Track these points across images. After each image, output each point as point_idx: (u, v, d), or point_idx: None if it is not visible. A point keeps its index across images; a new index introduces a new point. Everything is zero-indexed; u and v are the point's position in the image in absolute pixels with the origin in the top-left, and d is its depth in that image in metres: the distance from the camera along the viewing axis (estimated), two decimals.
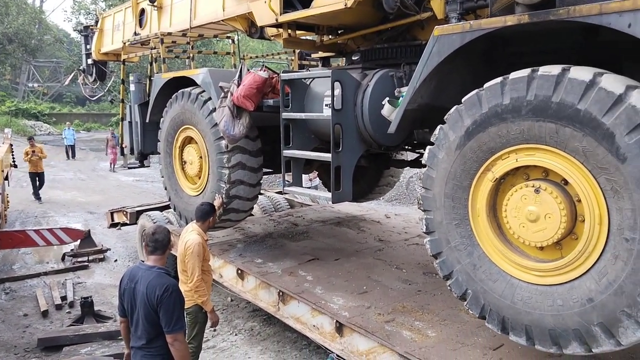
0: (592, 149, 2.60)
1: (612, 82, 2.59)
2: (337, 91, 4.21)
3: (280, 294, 4.85)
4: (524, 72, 2.87)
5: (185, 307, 4.45)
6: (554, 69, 2.77)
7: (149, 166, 8.31)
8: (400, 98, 3.83)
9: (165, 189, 6.64)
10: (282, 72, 4.92)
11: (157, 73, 6.81)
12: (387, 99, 3.98)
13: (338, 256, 5.81)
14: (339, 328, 4.14)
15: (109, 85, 10.95)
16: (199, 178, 6.03)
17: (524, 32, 3.22)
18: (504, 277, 3.11)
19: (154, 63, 7.08)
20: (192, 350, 4.51)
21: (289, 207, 8.71)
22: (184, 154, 6.17)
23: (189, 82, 5.91)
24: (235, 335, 5.93)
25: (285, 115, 4.71)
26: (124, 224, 8.79)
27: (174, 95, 6.08)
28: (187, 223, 5.92)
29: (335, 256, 5.81)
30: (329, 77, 4.18)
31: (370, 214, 8.11)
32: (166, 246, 3.36)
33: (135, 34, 7.91)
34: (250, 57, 9.22)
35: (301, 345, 5.56)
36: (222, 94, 5.06)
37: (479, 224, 3.22)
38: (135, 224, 8.25)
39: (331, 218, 7.67)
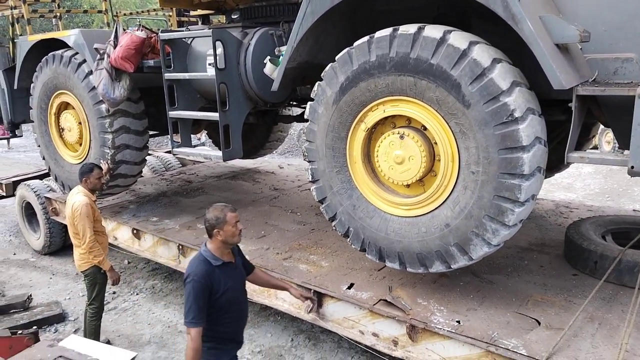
0: (444, 98, 3.04)
1: (459, 39, 3.02)
2: (220, 50, 4.29)
3: (180, 247, 4.97)
4: (387, 32, 3.21)
5: (83, 270, 4.46)
6: (411, 28, 3.13)
7: (22, 135, 7.73)
8: (281, 57, 4.04)
9: (44, 158, 6.30)
10: (161, 31, 4.85)
11: (21, 35, 6.27)
12: (269, 57, 4.17)
13: (235, 207, 5.98)
14: None
15: None
16: (80, 145, 5.80)
17: None
18: (378, 214, 3.55)
19: (15, 24, 6.48)
20: (93, 311, 4.55)
21: (180, 165, 8.64)
22: (61, 121, 5.88)
23: (59, 44, 5.56)
24: (137, 294, 5.97)
25: (168, 75, 4.70)
26: (0, 197, 8.15)
27: (43, 59, 5.69)
28: (69, 191, 5.72)
29: None
30: (210, 36, 4.24)
31: (264, 165, 8.36)
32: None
33: None
34: (124, 14, 8.73)
35: None
36: (98, 55, 4.88)
37: (356, 170, 3.61)
38: (13, 195, 7.67)
39: (225, 172, 7.79)
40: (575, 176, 9.91)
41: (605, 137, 11.08)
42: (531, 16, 2.80)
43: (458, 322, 3.33)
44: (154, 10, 8.48)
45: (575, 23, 3.00)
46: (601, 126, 5.34)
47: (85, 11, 11.11)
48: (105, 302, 4.92)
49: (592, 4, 3.12)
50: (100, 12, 7.57)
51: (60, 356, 2.85)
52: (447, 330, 3.26)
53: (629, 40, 3.06)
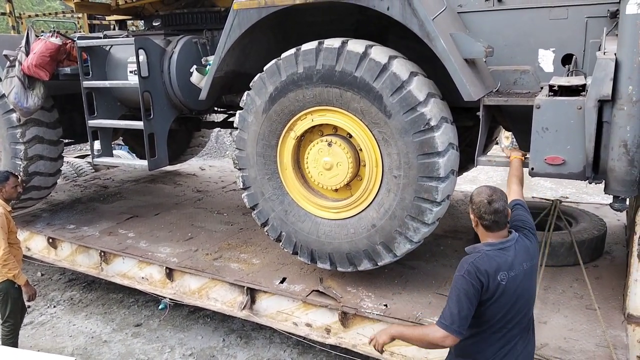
0: (367, 108, 3.26)
1: (379, 53, 3.25)
2: (142, 58, 4.24)
3: (102, 254, 4.84)
4: (313, 45, 3.38)
5: None
6: (336, 42, 3.32)
7: None
8: (208, 66, 4.08)
9: None
10: (77, 38, 4.68)
11: None
12: (195, 67, 4.18)
13: (158, 211, 5.92)
14: (169, 274, 4.41)
15: None
16: None
17: (312, 8, 3.72)
18: (309, 218, 3.71)
19: None
20: (8, 329, 4.31)
21: (93, 170, 8.24)
22: None
23: None
24: (54, 307, 5.66)
25: (86, 84, 4.55)
26: None
27: None
28: None
29: (155, 211, 5.90)
30: (132, 44, 4.18)
31: (185, 168, 8.24)
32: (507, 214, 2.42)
33: None
34: (29, 16, 8.19)
35: (128, 302, 5.63)
36: (8, 63, 4.61)
37: (287, 176, 3.74)
38: None
39: (144, 176, 7.58)
40: (479, 169, 10.76)
41: (504, 133, 12.11)
42: (443, 34, 3.09)
43: (385, 305, 3.58)
44: (62, 12, 8.04)
45: (481, 39, 3.36)
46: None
47: None
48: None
49: (494, 22, 3.50)
50: (3, 14, 7.06)
51: None
52: (376, 314, 3.50)
53: (526, 54, 3.47)
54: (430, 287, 3.85)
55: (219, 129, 13.60)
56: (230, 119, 5.99)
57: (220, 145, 13.38)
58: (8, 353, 3.06)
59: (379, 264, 3.56)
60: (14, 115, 4.89)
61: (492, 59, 3.44)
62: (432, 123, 3.11)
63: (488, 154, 4.51)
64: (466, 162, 4.66)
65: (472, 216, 2.44)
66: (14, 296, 4.29)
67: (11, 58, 4.60)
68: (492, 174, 10.66)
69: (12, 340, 4.35)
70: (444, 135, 3.17)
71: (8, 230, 4.18)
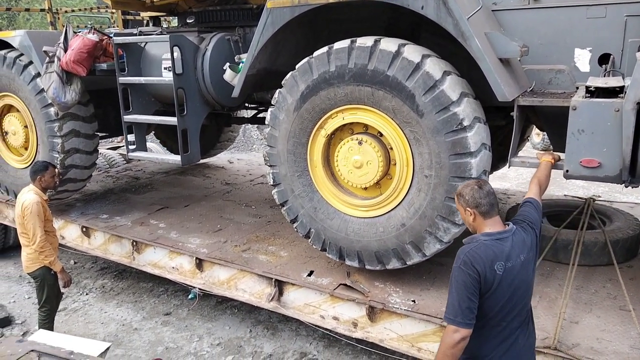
0: (399, 107, 3.26)
1: (412, 52, 3.24)
2: (177, 55, 4.32)
3: (134, 243, 4.95)
4: (345, 43, 3.39)
5: (31, 271, 4.36)
6: (368, 41, 3.33)
7: None
8: (241, 64, 4.13)
9: None
10: (114, 34, 4.79)
11: None
12: (228, 64, 4.24)
13: (187, 202, 6.02)
14: (199, 264, 4.49)
15: None
16: (26, 149, 5.62)
17: (344, 6, 3.73)
18: (338, 215, 3.74)
19: None
20: (45, 314, 4.47)
21: (124, 162, 8.44)
22: (4, 124, 5.66)
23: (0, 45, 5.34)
24: (86, 294, 5.86)
25: (122, 79, 4.66)
26: None
27: None
28: (15, 198, 5.53)
29: (184, 203, 6.01)
30: (167, 41, 4.26)
31: (214, 160, 8.33)
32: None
33: None
34: (66, 11, 8.40)
35: (158, 292, 5.78)
36: (47, 58, 4.75)
37: (317, 174, 3.77)
38: None
39: (174, 168, 7.71)
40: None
41: (535, 130, 11.88)
42: (478, 33, 3.06)
43: (413, 301, 3.59)
44: (98, 8, 8.23)
45: (516, 38, 3.32)
46: None
47: (27, 9, 10.52)
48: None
49: (529, 20, 3.45)
50: (42, 10, 7.26)
51: (32, 350, 2.70)
52: (404, 309, 3.50)
53: (561, 53, 3.41)
54: None
55: (245, 124, 13.84)
56: (260, 115, 6.05)
57: (247, 139, 13.53)
58: (47, 336, 3.18)
59: (407, 263, 3.56)
60: (52, 110, 5.03)
61: (526, 57, 3.39)
62: (465, 123, 3.09)
63: (520, 154, 4.44)
64: (497, 161, 4.63)
65: (466, 210, 2.45)
66: (50, 282, 4.45)
67: (50, 54, 4.73)
68: (522, 170, 10.49)
69: (48, 325, 4.52)
70: (477, 136, 3.14)
71: (44, 219, 4.34)
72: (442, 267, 4.09)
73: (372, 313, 3.63)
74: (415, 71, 3.16)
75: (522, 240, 2.40)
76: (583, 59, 3.39)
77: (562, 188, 9.30)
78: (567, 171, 2.99)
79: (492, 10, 3.53)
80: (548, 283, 3.80)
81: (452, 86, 3.13)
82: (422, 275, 3.96)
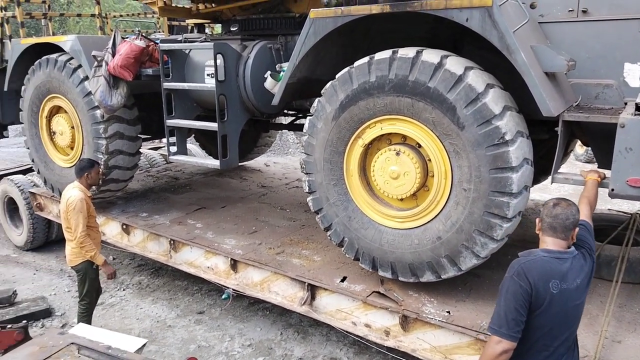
0: (439, 119, 3.23)
1: (455, 64, 3.20)
2: (220, 62, 4.41)
3: (172, 242, 5.06)
4: (386, 54, 3.38)
5: (74, 265, 4.52)
6: (410, 52, 3.31)
7: (8, 137, 7.67)
8: (282, 72, 4.18)
9: (33, 161, 6.28)
10: (160, 40, 4.93)
11: (10, 36, 6.25)
12: (269, 72, 4.30)
13: (224, 204, 6.13)
14: (234, 265, 4.55)
15: None
16: (72, 149, 5.82)
17: (386, 16, 3.73)
18: (373, 225, 3.72)
19: (5, 25, 6.45)
20: (84, 307, 4.62)
21: (164, 162, 8.66)
22: (53, 124, 5.88)
23: (52, 48, 5.58)
24: (124, 290, 6.02)
25: (166, 85, 4.78)
26: None
27: (37, 62, 5.69)
28: (60, 195, 5.75)
29: (221, 204, 6.11)
30: (211, 49, 4.36)
31: (250, 163, 8.45)
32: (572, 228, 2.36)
33: None
34: (114, 16, 8.72)
35: (192, 290, 5.89)
36: (96, 63, 4.93)
37: (353, 183, 3.77)
38: None
39: (211, 170, 7.85)
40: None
41: (579, 142, 11.52)
42: (524, 47, 3.00)
43: (448, 312, 3.52)
44: (144, 13, 8.50)
45: (562, 52, 3.24)
46: None
47: (79, 15, 10.98)
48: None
49: (577, 33, 3.36)
50: (93, 15, 7.56)
51: (72, 343, 2.82)
52: (439, 320, 3.44)
53: (610, 67, 3.31)
54: (496, 296, 3.70)
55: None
56: (297, 122, 6.10)
57: (284, 142, 13.67)
58: (87, 330, 3.28)
59: (442, 276, 3.51)
60: (98, 112, 5.21)
61: (573, 71, 3.31)
62: (507, 137, 3.04)
63: (563, 170, 4.33)
64: (538, 175, 4.50)
65: (538, 217, 2.43)
66: (91, 277, 4.60)
67: (99, 59, 4.91)
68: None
69: (86, 318, 4.66)
70: (519, 150, 3.08)
71: (88, 215, 4.48)
72: (479, 278, 4.01)
73: (405, 322, 3.59)
74: (457, 83, 3.13)
75: (580, 266, 2.34)
76: (633, 74, 3.28)
77: (606, 202, 8.98)
78: (612, 190, 2.90)
79: (539, 23, 3.46)
80: (589, 299, 3.65)
81: (494, 99, 3.08)
82: (457, 286, 3.89)
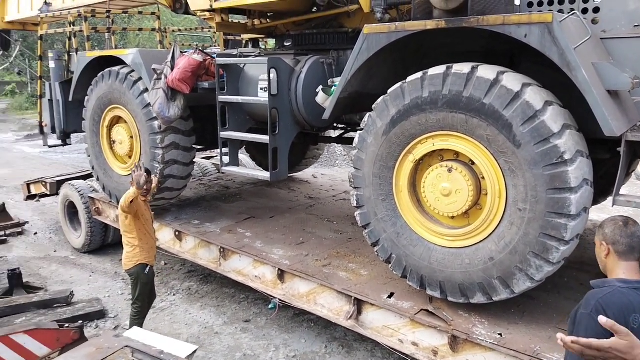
0: (494, 137, 3.16)
1: (512, 80, 3.13)
2: (273, 77, 4.50)
3: (222, 250, 5.16)
4: (440, 69, 3.35)
5: (128, 269, 4.66)
6: (465, 67, 3.27)
7: (71, 144, 8.09)
8: (333, 87, 4.22)
9: (93, 168, 6.59)
10: (216, 55, 5.09)
11: (76, 49, 6.62)
12: (321, 87, 4.35)
13: (273, 214, 6.22)
14: (281, 275, 4.59)
15: (13, 55, 10.25)
16: (130, 158, 6.07)
17: (441, 31, 3.70)
18: (422, 243, 3.66)
19: (73, 38, 6.85)
20: (136, 310, 4.74)
21: (216, 171, 8.86)
22: (113, 134, 6.16)
23: (114, 60, 5.86)
24: (174, 295, 6.17)
25: (222, 98, 4.92)
26: (43, 195, 8.45)
27: (100, 74, 5.99)
28: (117, 202, 5.98)
29: (270, 214, 6.21)
30: (265, 63, 4.45)
31: (299, 175, 8.54)
32: None
33: (46, 3, 7.52)
34: (173, 31, 9.10)
35: (239, 298, 5.97)
36: (155, 76, 5.14)
37: (402, 199, 3.73)
38: (56, 194, 8.00)
39: (261, 180, 7.99)
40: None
41: None
42: (585, 64, 2.90)
43: (500, 335, 3.40)
44: (203, 28, 8.81)
45: (626, 69, 3.10)
46: None
47: (140, 29, 11.54)
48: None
49: None
50: (154, 30, 7.93)
51: (127, 346, 2.93)
52: (490, 342, 3.33)
53: None
54: (551, 320, 3.60)
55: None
56: (346, 135, 6.12)
57: (331, 154, 13.74)
58: (140, 334, 3.39)
59: (494, 299, 3.40)
60: (156, 123, 5.41)
61: (638, 89, 3.16)
62: (566, 157, 2.93)
63: (625, 192, 4.12)
64: (597, 196, 4.31)
65: (602, 244, 2.23)
66: (143, 281, 4.74)
67: (158, 72, 5.11)
68: None
69: (138, 322, 4.79)
70: (579, 170, 2.96)
71: (142, 215, 4.59)
72: (533, 301, 3.86)
73: (455, 343, 3.50)
74: (514, 100, 3.06)
75: None
76: None
77: None
78: None
79: (601, 39, 3.34)
80: None
81: (553, 117, 2.99)
82: (510, 308, 3.76)
